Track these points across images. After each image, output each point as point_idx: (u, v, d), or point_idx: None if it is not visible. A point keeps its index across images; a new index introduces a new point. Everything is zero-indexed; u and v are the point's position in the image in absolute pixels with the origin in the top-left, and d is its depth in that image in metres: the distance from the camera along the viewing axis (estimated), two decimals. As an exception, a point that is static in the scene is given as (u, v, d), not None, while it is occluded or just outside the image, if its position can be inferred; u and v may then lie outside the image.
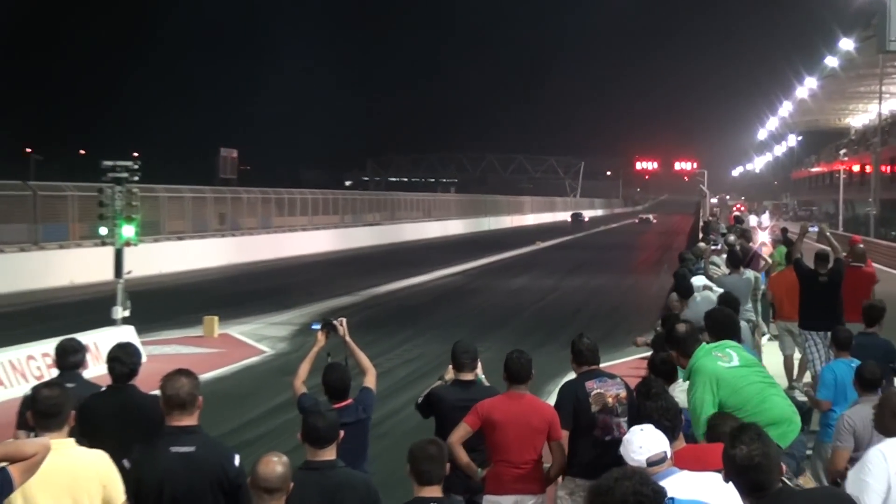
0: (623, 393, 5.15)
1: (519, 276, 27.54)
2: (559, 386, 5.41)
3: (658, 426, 3.76)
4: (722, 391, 4.64)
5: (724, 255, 11.70)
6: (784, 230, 18.67)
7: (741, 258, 10.97)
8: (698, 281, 9.79)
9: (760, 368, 4.90)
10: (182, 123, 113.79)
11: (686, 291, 8.66)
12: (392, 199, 50.12)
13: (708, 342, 4.96)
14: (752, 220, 41.90)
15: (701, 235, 19.90)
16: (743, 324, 6.88)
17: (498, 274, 28.62)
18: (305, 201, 38.62)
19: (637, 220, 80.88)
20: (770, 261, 13.51)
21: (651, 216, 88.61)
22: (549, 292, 23.34)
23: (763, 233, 24.83)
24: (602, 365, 5.40)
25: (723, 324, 5.15)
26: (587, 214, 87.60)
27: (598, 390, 5.10)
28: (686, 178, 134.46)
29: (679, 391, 5.15)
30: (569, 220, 79.13)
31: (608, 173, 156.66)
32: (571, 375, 5.38)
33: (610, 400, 5.11)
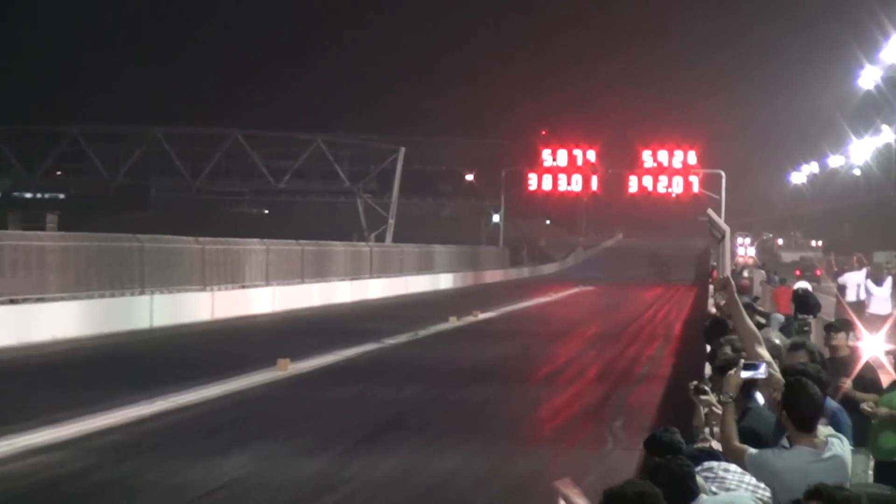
0: None
1: (230, 454, 28.19)
2: None
3: None
4: None
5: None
6: None
7: (817, 408, 11.67)
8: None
9: None
10: None
11: None
12: None
13: None
14: (874, 298, 42.73)
15: (709, 351, 21.23)
16: None
17: (173, 447, 29.23)
18: None
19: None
20: None
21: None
22: (306, 500, 24.16)
23: (878, 334, 25.67)
24: None
25: None
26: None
27: None
28: (672, 195, 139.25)
29: None
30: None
31: (469, 178, 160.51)
32: None
33: None
